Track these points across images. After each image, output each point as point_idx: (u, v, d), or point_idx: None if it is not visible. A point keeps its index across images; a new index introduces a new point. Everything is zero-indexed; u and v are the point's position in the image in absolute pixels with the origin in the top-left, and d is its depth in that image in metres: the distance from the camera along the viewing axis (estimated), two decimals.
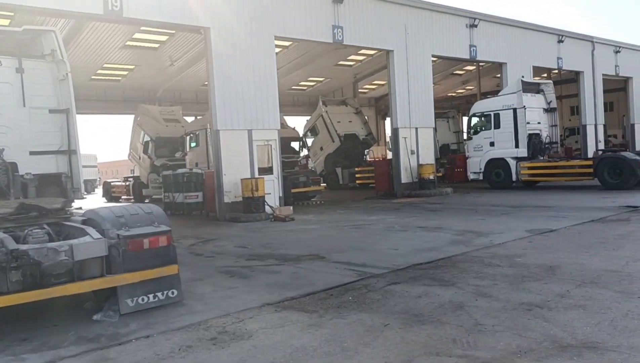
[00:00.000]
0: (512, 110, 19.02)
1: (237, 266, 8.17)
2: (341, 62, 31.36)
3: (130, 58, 25.17)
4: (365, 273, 7.06)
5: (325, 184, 27.19)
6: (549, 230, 9.76)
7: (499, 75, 37.64)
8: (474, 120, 20.36)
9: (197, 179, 17.19)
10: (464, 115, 35.87)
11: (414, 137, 19.46)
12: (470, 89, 39.50)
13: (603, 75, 28.40)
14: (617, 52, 29.06)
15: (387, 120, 44.68)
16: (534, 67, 24.28)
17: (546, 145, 19.66)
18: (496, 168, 19.60)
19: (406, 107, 19.18)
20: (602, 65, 28.10)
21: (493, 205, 14.55)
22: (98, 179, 49.27)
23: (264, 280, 7.10)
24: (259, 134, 15.49)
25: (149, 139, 25.47)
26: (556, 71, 29.34)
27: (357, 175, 25.43)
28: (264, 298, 6.11)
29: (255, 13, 15.46)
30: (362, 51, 29.80)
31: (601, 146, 27.68)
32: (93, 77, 27.19)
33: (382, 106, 42.17)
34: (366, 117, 28.46)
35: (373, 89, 39.79)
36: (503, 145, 19.35)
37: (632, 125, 31.08)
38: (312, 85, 35.68)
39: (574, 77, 28.21)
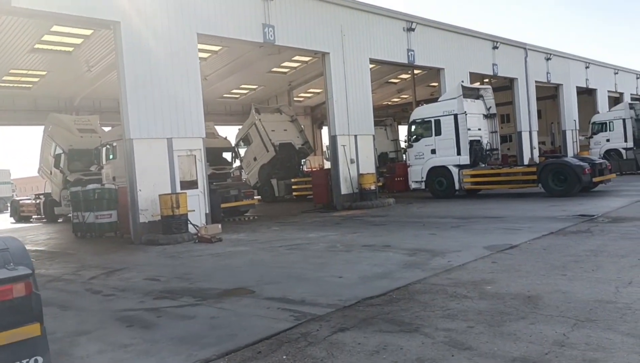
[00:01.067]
0: (453, 116, 18.22)
1: (140, 309, 6.41)
2: (275, 69, 29.98)
3: (40, 63, 22.68)
4: (304, 314, 5.55)
5: (259, 197, 25.53)
6: (509, 246, 8.66)
7: (433, 84, 37.78)
8: (414, 127, 19.43)
9: (110, 196, 15.06)
10: (400, 124, 35.48)
11: (353, 145, 18.24)
12: (405, 98, 39.27)
13: (535, 82, 28.60)
14: (548, 59, 29.43)
15: (324, 130, 43.60)
16: (470, 73, 23.85)
17: (487, 152, 19.03)
18: (438, 176, 18.72)
19: (344, 113, 17.95)
20: (535, 72, 28.30)
21: (440, 217, 13.48)
22: (14, 196, 45.11)
23: (171, 330, 5.42)
24: (181, 143, 13.69)
25: (61, 151, 22.89)
26: (487, 80, 29.34)
27: (293, 187, 23.97)
28: (167, 362, 4.46)
29: (174, 7, 13.72)
30: (297, 57, 28.55)
31: (536, 153, 27.81)
32: None
33: (318, 115, 41.08)
34: (302, 126, 27.08)
35: (309, 98, 38.64)
36: (445, 152, 18.51)
37: (564, 132, 31.60)
38: (245, 93, 34.06)
39: (508, 85, 28.21)
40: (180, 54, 13.70)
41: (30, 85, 25.94)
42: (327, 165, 39.62)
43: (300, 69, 30.41)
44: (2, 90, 25.41)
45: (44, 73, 24.57)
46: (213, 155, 28.14)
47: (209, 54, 26.28)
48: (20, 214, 26.60)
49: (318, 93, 37.85)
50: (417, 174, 19.22)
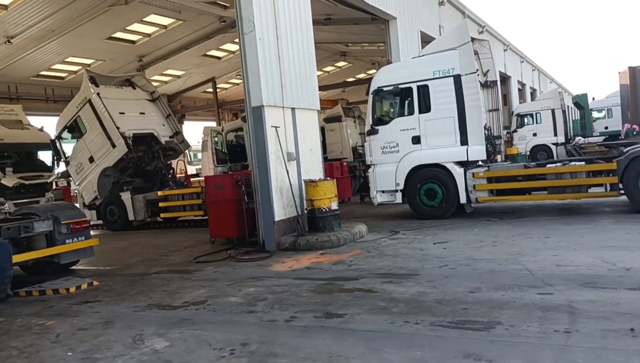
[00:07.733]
0: (453, 79, 10.68)
1: None
2: (119, 34, 20.50)
3: None
4: None
5: (100, 222, 15.64)
6: None
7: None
8: (380, 99, 11.50)
9: None
10: None
11: (290, 128, 9.64)
12: None
13: None
14: (480, 32, 23.89)
15: (186, 124, 33.77)
16: (420, 32, 16.76)
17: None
18: (427, 181, 11.04)
19: (275, 65, 9.26)
20: None
21: (566, 279, 5.65)
22: None
23: None
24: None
25: None
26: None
27: (161, 205, 14.49)
28: None
29: None
30: (152, 17, 19.19)
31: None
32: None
33: (177, 106, 31.32)
34: (169, 109, 17.52)
35: (165, 82, 28.76)
36: (437, 140, 10.87)
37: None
38: (75, 71, 23.39)
39: None
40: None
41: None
42: (191, 171, 29.98)
43: (156, 37, 21.17)
44: None
45: None
46: (20, 156, 17.54)
47: None
48: None
49: (178, 76, 28.31)
50: (387, 178, 11.29)
